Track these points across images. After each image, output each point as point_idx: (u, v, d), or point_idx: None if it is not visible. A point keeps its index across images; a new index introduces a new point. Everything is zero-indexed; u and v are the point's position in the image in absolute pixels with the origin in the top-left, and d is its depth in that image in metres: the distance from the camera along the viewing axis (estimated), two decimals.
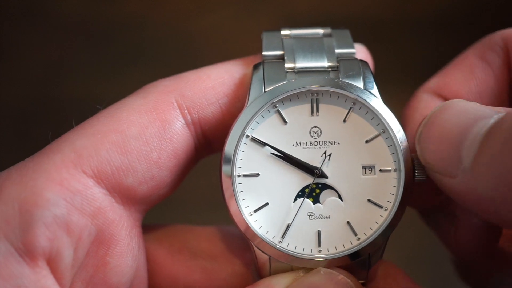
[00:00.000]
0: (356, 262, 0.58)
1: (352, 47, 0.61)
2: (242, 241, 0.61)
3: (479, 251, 0.59)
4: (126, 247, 0.57)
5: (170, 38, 1.42)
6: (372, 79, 0.59)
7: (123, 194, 0.56)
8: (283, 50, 0.60)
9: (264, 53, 0.61)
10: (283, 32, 0.63)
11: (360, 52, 0.63)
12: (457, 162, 0.52)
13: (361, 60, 0.60)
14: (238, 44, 1.30)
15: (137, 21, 1.46)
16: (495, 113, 0.51)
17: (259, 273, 0.59)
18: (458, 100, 0.56)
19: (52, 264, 0.52)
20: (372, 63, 0.65)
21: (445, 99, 0.61)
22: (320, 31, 0.63)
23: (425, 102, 0.61)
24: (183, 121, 0.58)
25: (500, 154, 0.48)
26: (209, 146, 0.61)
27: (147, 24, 1.45)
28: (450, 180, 0.53)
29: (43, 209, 0.51)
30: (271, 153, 0.58)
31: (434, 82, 0.63)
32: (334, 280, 0.55)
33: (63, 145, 0.55)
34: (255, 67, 0.60)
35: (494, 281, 0.66)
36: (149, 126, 0.56)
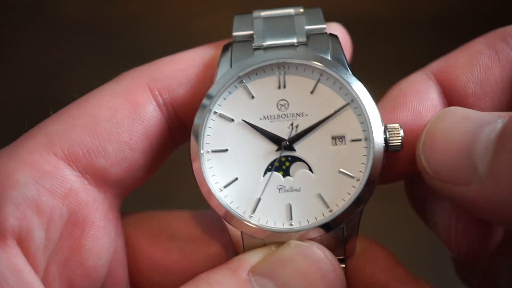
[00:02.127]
0: (332, 238, 0.57)
1: (323, 23, 0.61)
2: (219, 223, 0.61)
3: (481, 250, 0.59)
4: (102, 230, 0.57)
5: (170, 38, 1.42)
6: (341, 51, 0.58)
7: (96, 176, 0.56)
8: (252, 30, 0.61)
9: (234, 33, 0.61)
10: (255, 14, 0.63)
11: (335, 29, 0.63)
12: (471, 169, 0.51)
13: (330, 34, 0.60)
14: None
15: (137, 21, 1.46)
16: (497, 118, 0.51)
17: (234, 251, 0.59)
18: (456, 107, 0.56)
19: (23, 244, 0.52)
20: (347, 40, 0.64)
21: (444, 83, 0.60)
22: (292, 10, 0.62)
23: (420, 82, 0.61)
24: (154, 103, 0.58)
25: None
26: (184, 128, 0.61)
27: (147, 24, 1.45)
28: (464, 189, 0.52)
29: (13, 189, 0.52)
30: (242, 119, 0.57)
31: (435, 64, 0.62)
32: (304, 252, 0.55)
33: (37, 131, 0.56)
34: (224, 47, 0.60)
35: (502, 281, 0.66)
36: (119, 109, 0.57)
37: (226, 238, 0.60)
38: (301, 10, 0.62)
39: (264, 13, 0.62)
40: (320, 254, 0.55)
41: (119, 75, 0.61)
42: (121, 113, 0.57)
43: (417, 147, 0.55)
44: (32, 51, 1.42)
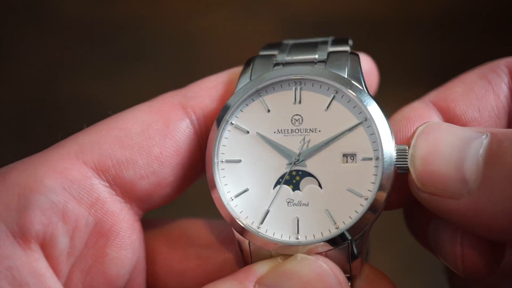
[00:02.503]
0: (338, 254, 0.57)
1: (346, 46, 0.61)
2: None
3: (489, 269, 0.59)
4: (127, 240, 0.58)
5: (170, 38, 1.42)
6: (359, 70, 0.59)
7: (124, 188, 0.57)
8: (278, 50, 0.62)
9: (260, 53, 0.62)
10: (284, 41, 0.64)
11: (362, 57, 0.63)
12: (461, 183, 0.52)
13: (351, 53, 0.61)
14: (238, 44, 1.30)
15: (137, 21, 1.46)
16: (482, 134, 0.53)
17: (243, 259, 0.59)
18: (438, 121, 0.57)
19: (46, 248, 0.53)
20: (373, 69, 0.65)
21: (443, 110, 0.61)
22: (320, 39, 0.64)
23: (421, 109, 0.62)
24: (187, 120, 0.59)
25: None
26: None
27: (147, 24, 1.45)
28: (454, 202, 0.53)
29: (40, 194, 0.53)
30: (257, 132, 0.59)
31: (433, 94, 0.63)
32: (310, 265, 0.55)
33: (69, 140, 0.57)
34: (247, 62, 0.61)
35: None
36: (152, 124, 0.58)
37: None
38: (330, 38, 0.63)
39: (293, 41, 0.63)
40: (326, 268, 0.55)
41: (154, 98, 0.61)
42: (154, 128, 0.58)
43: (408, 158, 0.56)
44: (32, 51, 1.43)
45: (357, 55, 0.60)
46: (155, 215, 0.65)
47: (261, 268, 0.56)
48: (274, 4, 1.46)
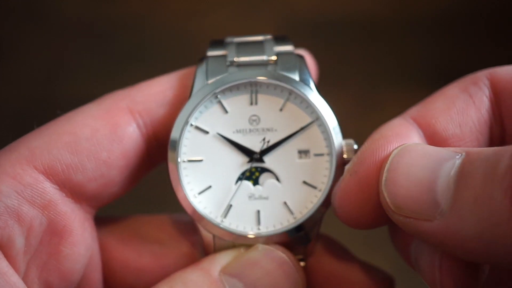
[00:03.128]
0: (295, 240, 0.62)
1: (290, 45, 0.65)
2: (189, 226, 0.65)
3: None
4: (79, 237, 0.61)
5: (170, 38, 1.42)
6: (307, 71, 0.63)
7: (73, 190, 0.60)
8: (226, 50, 0.65)
9: (208, 53, 0.65)
10: (227, 39, 0.67)
11: (301, 53, 0.67)
12: (433, 205, 0.52)
13: (297, 55, 0.64)
14: None
15: (137, 21, 1.46)
16: (456, 154, 0.53)
17: (205, 253, 0.63)
18: (415, 143, 0.58)
19: (4, 249, 0.56)
20: (312, 62, 0.68)
21: (424, 127, 0.61)
22: (261, 37, 0.67)
23: (400, 126, 0.62)
24: (134, 125, 0.62)
25: (483, 194, 0.49)
26: (161, 148, 0.64)
27: (147, 24, 1.45)
28: (426, 224, 0.53)
29: None
30: (217, 132, 0.62)
31: (414, 110, 0.64)
32: (270, 255, 0.60)
33: (20, 145, 0.59)
34: (200, 61, 0.64)
35: None
36: (100, 129, 0.60)
37: (195, 239, 0.64)
38: (270, 36, 0.67)
39: (237, 39, 0.67)
40: (285, 257, 0.60)
41: (101, 97, 0.64)
42: (102, 133, 0.60)
43: (379, 183, 0.57)
44: (32, 51, 1.43)
45: (303, 57, 0.64)
46: (109, 211, 0.67)
47: (224, 257, 0.60)
48: (274, 4, 1.46)
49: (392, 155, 0.56)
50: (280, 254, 0.60)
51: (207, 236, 0.61)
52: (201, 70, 0.63)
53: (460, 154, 0.53)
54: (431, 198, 0.52)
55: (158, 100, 0.63)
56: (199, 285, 0.57)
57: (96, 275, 0.64)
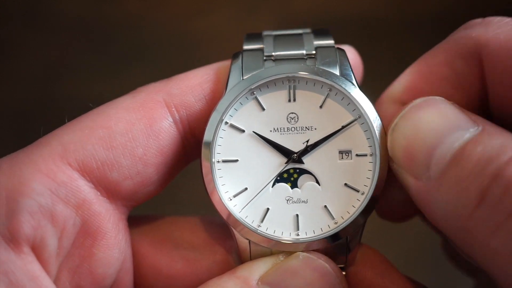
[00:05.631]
0: (335, 247, 0.59)
1: (331, 39, 0.62)
2: (223, 230, 0.62)
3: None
4: (113, 240, 0.58)
5: (170, 38, 1.42)
6: (348, 66, 0.60)
7: (108, 188, 0.58)
8: (262, 44, 0.62)
9: (244, 47, 0.62)
10: (265, 32, 0.64)
11: (345, 48, 0.64)
12: (425, 167, 0.53)
13: (338, 48, 0.61)
14: (238, 44, 1.30)
15: (137, 21, 1.46)
16: (472, 126, 0.53)
17: (240, 259, 0.59)
18: (441, 99, 0.56)
19: (37, 251, 0.54)
20: (357, 60, 0.66)
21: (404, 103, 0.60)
22: (300, 30, 0.64)
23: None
24: (170, 119, 0.59)
25: (464, 181, 0.51)
26: (198, 144, 0.62)
27: (147, 24, 1.45)
28: (413, 181, 0.54)
29: (29, 198, 0.53)
30: (253, 131, 0.59)
31: (396, 86, 0.64)
32: (312, 264, 0.56)
33: (52, 139, 0.57)
34: (234, 56, 0.61)
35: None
36: (136, 123, 0.58)
37: (229, 245, 0.61)
38: (309, 30, 0.64)
39: (275, 32, 0.63)
40: (328, 267, 0.57)
41: (135, 90, 0.61)
42: (137, 127, 0.58)
43: (389, 124, 0.57)
44: (32, 51, 1.43)
45: (344, 50, 0.61)
46: (142, 210, 0.65)
47: (262, 266, 0.57)
48: (274, 4, 1.46)
49: (412, 103, 0.55)
50: (322, 263, 0.57)
51: (242, 242, 0.58)
52: (236, 65, 0.60)
53: (476, 127, 0.52)
54: (425, 161, 0.53)
55: (195, 93, 0.60)
56: None
57: (128, 279, 0.62)
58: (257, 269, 0.56)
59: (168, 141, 0.59)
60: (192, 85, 0.61)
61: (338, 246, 0.59)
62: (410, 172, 0.54)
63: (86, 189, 0.56)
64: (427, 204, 0.53)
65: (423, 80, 0.61)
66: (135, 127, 0.57)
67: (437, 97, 0.56)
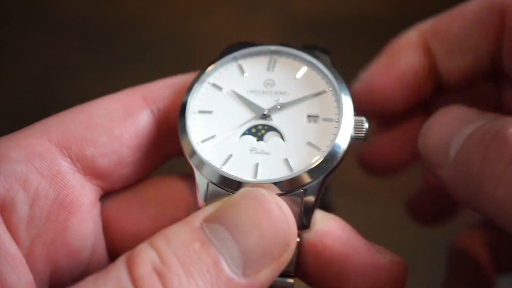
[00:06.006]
0: (291, 203, 0.59)
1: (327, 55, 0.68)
2: (188, 187, 0.64)
3: None
4: (88, 214, 0.60)
5: (170, 38, 1.42)
6: (327, 54, 0.66)
7: (85, 164, 0.60)
8: None
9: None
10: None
11: None
12: (445, 155, 0.61)
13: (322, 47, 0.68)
14: None
15: (137, 22, 1.46)
16: (479, 120, 0.61)
17: (197, 204, 0.62)
18: (458, 106, 0.65)
19: (5, 213, 0.55)
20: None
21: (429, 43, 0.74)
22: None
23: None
24: (148, 109, 0.63)
25: (474, 149, 0.58)
26: (173, 139, 0.64)
27: (147, 25, 1.45)
28: (439, 170, 0.62)
29: (4, 163, 0.56)
30: (231, 89, 0.64)
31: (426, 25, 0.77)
32: (251, 195, 0.56)
33: (36, 123, 0.60)
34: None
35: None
36: (115, 109, 0.62)
37: (192, 202, 0.63)
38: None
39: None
40: (266, 194, 0.57)
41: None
42: (116, 113, 0.61)
43: (419, 134, 0.66)
44: (32, 51, 1.43)
45: (327, 50, 0.67)
46: None
47: (208, 209, 0.57)
48: (274, 4, 1.46)
49: (434, 114, 0.66)
50: (262, 191, 0.56)
51: (202, 183, 0.61)
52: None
53: (488, 119, 0.60)
54: (445, 150, 0.61)
55: (172, 89, 0.65)
56: (180, 235, 0.53)
57: (102, 251, 0.63)
58: (202, 212, 0.56)
59: (144, 127, 0.62)
60: (169, 83, 0.65)
61: (293, 202, 0.60)
62: (436, 165, 0.62)
63: (62, 163, 0.58)
64: (452, 184, 0.61)
65: (451, 22, 0.73)
66: (114, 112, 0.61)
67: (456, 106, 0.66)
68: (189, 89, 0.64)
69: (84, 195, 0.60)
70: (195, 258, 0.52)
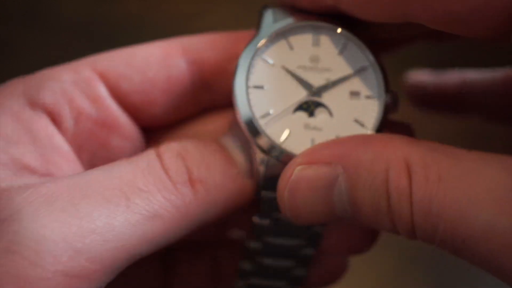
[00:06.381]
0: None
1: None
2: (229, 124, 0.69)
3: None
4: (128, 133, 0.66)
5: (170, 38, 1.42)
6: (367, 29, 0.68)
7: (120, 97, 0.65)
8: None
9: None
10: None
11: None
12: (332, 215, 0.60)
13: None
14: None
15: (137, 22, 1.46)
16: (336, 170, 0.59)
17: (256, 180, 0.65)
18: (306, 168, 0.62)
19: (54, 123, 0.62)
20: None
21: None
22: None
23: None
24: (183, 59, 0.68)
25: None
26: (209, 90, 0.69)
27: (147, 25, 1.45)
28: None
29: (54, 82, 0.63)
30: (281, 65, 0.66)
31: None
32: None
33: (85, 58, 0.67)
34: (264, 6, 0.70)
35: None
36: (153, 54, 0.67)
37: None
38: None
39: None
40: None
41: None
42: (154, 56, 0.67)
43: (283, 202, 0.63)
44: (32, 51, 1.43)
45: None
46: None
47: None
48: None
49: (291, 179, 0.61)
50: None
51: (259, 157, 0.64)
52: (268, 12, 0.69)
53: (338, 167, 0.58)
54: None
55: (213, 44, 0.68)
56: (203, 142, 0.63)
57: None
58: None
59: (177, 74, 0.67)
60: (210, 38, 0.69)
61: None
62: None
63: (103, 90, 0.64)
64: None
65: None
66: (152, 56, 0.67)
67: (303, 169, 0.62)
68: (241, 61, 0.66)
69: (121, 115, 0.65)
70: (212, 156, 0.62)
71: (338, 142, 0.59)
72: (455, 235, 0.48)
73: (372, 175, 0.54)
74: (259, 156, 0.63)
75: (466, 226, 0.48)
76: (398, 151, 0.54)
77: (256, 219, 0.66)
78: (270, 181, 0.64)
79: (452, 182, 0.49)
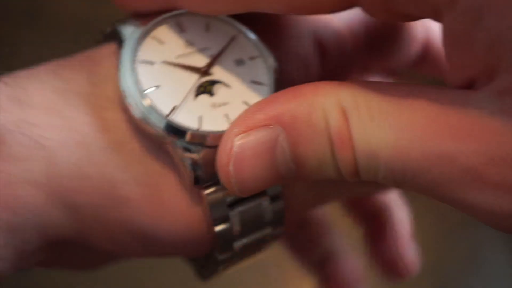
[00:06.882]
0: None
1: None
2: None
3: None
4: None
5: None
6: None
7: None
8: None
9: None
10: None
11: None
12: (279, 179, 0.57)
13: None
14: None
15: None
16: (275, 130, 0.56)
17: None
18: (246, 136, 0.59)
19: None
20: None
21: None
22: None
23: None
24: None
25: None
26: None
27: None
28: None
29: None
30: (162, 61, 0.65)
31: None
32: None
33: None
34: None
35: None
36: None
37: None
38: None
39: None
40: None
41: None
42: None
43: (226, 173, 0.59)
44: (32, 51, 1.43)
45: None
46: None
47: None
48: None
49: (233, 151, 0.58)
50: None
51: (188, 158, 0.61)
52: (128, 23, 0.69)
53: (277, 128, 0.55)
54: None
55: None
56: None
57: None
58: None
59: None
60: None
61: None
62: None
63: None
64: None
65: None
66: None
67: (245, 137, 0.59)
68: (122, 69, 0.64)
69: None
70: None
71: (269, 101, 0.58)
72: (395, 171, 0.48)
73: (312, 127, 0.53)
74: (186, 156, 0.61)
75: (403, 161, 0.48)
76: (331, 96, 0.52)
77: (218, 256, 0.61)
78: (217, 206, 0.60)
79: (385, 119, 0.50)
